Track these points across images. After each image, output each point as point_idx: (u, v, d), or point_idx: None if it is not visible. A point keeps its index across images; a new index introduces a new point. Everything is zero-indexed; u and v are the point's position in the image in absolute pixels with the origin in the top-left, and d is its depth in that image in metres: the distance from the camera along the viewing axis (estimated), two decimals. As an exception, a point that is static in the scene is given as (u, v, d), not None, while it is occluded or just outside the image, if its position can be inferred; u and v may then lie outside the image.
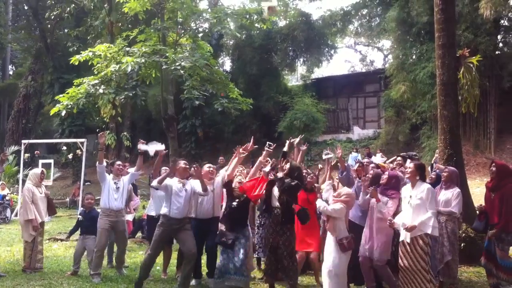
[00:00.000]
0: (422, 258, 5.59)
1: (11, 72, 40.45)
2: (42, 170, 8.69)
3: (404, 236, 5.72)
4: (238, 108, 14.00)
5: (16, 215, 17.43)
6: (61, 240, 11.91)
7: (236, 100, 13.68)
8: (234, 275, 6.21)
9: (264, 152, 7.09)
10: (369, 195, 6.12)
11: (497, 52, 19.14)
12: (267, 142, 7.32)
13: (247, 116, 25.09)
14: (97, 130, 22.00)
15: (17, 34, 35.50)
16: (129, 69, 11.57)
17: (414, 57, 20.30)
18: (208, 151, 27.14)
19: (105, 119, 16.35)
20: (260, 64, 26.67)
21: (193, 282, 6.88)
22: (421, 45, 19.67)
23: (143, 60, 11.76)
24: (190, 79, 12.88)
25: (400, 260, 5.77)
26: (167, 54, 12.04)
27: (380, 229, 6.08)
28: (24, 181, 18.40)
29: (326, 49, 28.69)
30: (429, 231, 5.58)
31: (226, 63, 32.00)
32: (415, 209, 5.69)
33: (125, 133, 17.52)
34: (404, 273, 5.71)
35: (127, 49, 12.68)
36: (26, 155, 19.40)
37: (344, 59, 56.50)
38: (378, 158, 19.78)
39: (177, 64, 11.64)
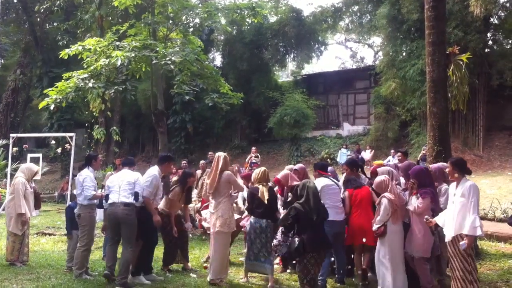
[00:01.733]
0: (463, 258, 5.44)
1: (-1, 66, 40.09)
2: (38, 169, 8.69)
3: (447, 236, 5.63)
4: (228, 103, 13.98)
5: (3, 209, 17.32)
6: (49, 234, 11.86)
7: (227, 95, 13.66)
8: (264, 263, 6.84)
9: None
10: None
11: (486, 50, 19.26)
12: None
13: (237, 112, 25.09)
14: (86, 124, 21.92)
15: (6, 27, 35.17)
16: (118, 63, 11.50)
17: (404, 54, 20.36)
18: (197, 146, 27.16)
19: (94, 113, 16.27)
20: (251, 60, 26.64)
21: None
22: (411, 42, 19.72)
23: (133, 55, 11.69)
24: (180, 74, 12.81)
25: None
26: (157, 49, 11.98)
27: (415, 223, 6.19)
28: (12, 175, 18.32)
29: (317, 45, 28.69)
30: (465, 232, 5.37)
31: (217, 59, 31.96)
32: (457, 207, 5.50)
33: (114, 127, 17.38)
34: (452, 273, 5.62)
35: (117, 43, 12.61)
36: (15, 149, 19.21)
37: (335, 55, 56.83)
38: (367, 154, 19.95)
39: (167, 58, 11.59)
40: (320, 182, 6.82)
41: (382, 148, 21.74)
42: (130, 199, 6.83)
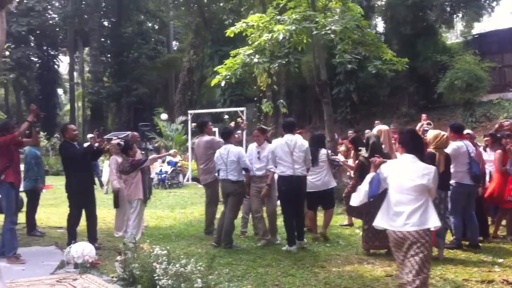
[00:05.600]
0: None
1: (175, 48, 43.56)
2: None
3: None
4: (393, 69, 13.56)
5: (187, 180, 19.09)
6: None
7: (391, 61, 13.25)
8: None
9: None
10: None
11: None
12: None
13: (402, 78, 24.19)
14: (255, 98, 22.95)
15: (177, 11, 37.96)
16: (280, 37, 11.79)
17: None
18: (363, 115, 26.77)
19: (261, 87, 16.93)
20: (415, 23, 25.31)
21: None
22: None
23: (293, 27, 11.88)
24: (341, 43, 12.72)
25: None
26: (317, 19, 12.02)
27: None
28: (192, 149, 20.01)
29: (487, 1, 26.31)
30: None
31: (379, 25, 31.00)
32: None
33: (281, 100, 17.95)
34: None
35: (278, 17, 12.90)
36: (193, 124, 20.95)
37: (510, 10, 51.27)
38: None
39: (327, 28, 11.57)
40: (452, 145, 6.74)
41: None
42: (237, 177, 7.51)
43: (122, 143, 8.53)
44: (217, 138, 8.63)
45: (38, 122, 7.76)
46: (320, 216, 8.42)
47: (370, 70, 13.96)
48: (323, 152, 8.11)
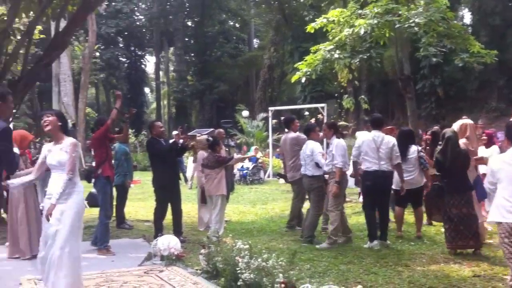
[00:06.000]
0: None
1: (256, 46, 44.04)
2: None
3: None
4: (481, 62, 12.96)
5: (268, 177, 19.28)
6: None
7: (478, 54, 12.67)
8: None
9: None
10: None
11: None
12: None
13: (491, 72, 23.04)
14: (336, 94, 22.75)
15: (258, 9, 38.34)
16: (362, 31, 11.62)
17: None
18: (449, 110, 25.75)
19: (342, 83, 16.77)
20: (505, 13, 24.02)
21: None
22: None
23: (375, 21, 11.67)
24: (425, 36, 12.33)
25: None
26: (400, 12, 11.73)
27: None
28: (274, 146, 20.20)
29: None
30: None
31: (466, 16, 29.69)
32: None
33: (362, 96, 17.75)
34: None
35: (359, 11, 12.71)
36: (274, 121, 21.13)
37: None
38: None
39: (411, 21, 11.27)
40: None
41: None
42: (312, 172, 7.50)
43: (210, 138, 8.76)
44: (303, 134, 8.61)
45: (129, 119, 8.10)
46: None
47: (457, 64, 13.47)
48: (413, 149, 7.91)
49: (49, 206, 4.38)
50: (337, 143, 7.34)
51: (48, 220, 4.37)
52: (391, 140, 7.26)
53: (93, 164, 8.01)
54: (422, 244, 7.34)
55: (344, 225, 7.65)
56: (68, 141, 4.61)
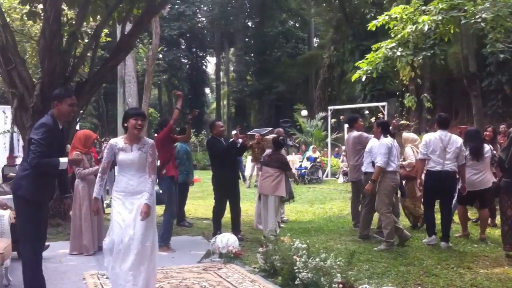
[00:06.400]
0: None
1: (315, 45, 43.80)
2: None
3: None
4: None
5: (326, 176, 19.14)
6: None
7: (551, 48, 12.09)
8: None
9: None
10: None
11: None
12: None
13: None
14: (397, 93, 22.26)
15: (318, 8, 38.09)
16: (425, 28, 11.30)
17: None
18: (517, 109, 24.67)
19: (404, 81, 16.41)
20: None
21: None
22: None
23: (440, 18, 11.31)
24: (492, 32, 11.85)
25: None
26: (465, 8, 11.33)
27: None
28: (332, 145, 20.04)
29: None
30: None
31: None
32: None
33: (425, 94, 17.29)
34: None
35: (423, 8, 12.39)
36: (333, 120, 20.97)
37: None
38: None
39: (477, 17, 10.86)
40: None
41: None
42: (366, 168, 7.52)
43: (283, 138, 8.66)
44: (366, 133, 8.48)
45: (192, 120, 8.24)
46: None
47: (528, 60, 12.88)
48: (487, 148, 7.68)
49: (143, 206, 4.53)
50: (381, 142, 7.21)
51: (143, 219, 4.52)
52: (459, 140, 7.17)
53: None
54: (486, 246, 7.09)
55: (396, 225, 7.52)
56: (149, 142, 4.76)
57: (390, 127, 7.70)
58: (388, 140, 7.17)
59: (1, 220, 5.34)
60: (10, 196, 8.74)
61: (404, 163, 8.36)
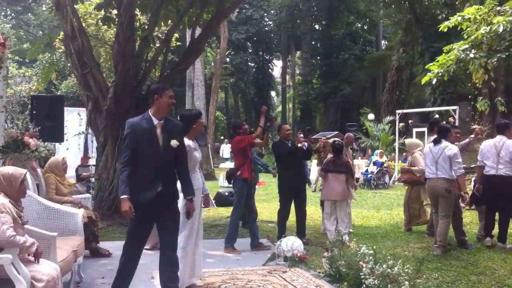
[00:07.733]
0: None
1: (383, 47, 42.99)
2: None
3: None
4: None
5: (393, 182, 18.73)
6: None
7: None
8: None
9: None
10: None
11: None
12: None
13: None
14: (469, 96, 21.47)
15: (387, 9, 37.37)
16: (500, 29, 10.85)
17: None
18: None
19: (477, 84, 15.78)
20: None
21: None
22: None
23: (517, 18, 10.87)
24: None
25: None
26: (545, 7, 10.81)
27: None
28: (400, 150, 19.59)
29: None
30: None
31: None
32: None
33: (499, 98, 16.54)
34: None
35: (498, 8, 11.91)
36: (401, 124, 20.50)
37: None
38: None
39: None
40: None
41: None
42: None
43: (340, 142, 8.54)
44: None
45: (270, 126, 8.28)
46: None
47: None
48: None
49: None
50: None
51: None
52: None
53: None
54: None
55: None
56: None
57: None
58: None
59: (75, 218, 5.55)
60: (85, 195, 9.21)
61: (414, 168, 8.53)
